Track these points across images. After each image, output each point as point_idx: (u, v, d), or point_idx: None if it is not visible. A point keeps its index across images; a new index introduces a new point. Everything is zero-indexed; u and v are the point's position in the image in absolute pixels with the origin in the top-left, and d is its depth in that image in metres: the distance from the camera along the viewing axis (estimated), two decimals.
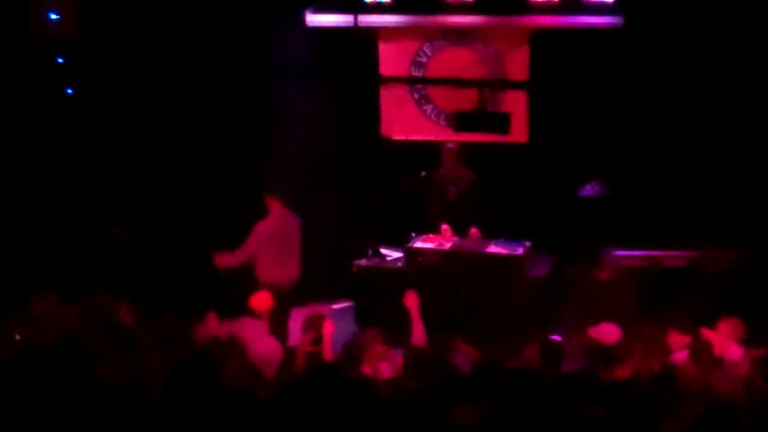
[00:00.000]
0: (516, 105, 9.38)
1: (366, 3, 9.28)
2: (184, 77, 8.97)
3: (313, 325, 6.41)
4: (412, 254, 8.36)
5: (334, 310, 8.44)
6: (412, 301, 6.89)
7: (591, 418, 4.82)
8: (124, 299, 6.69)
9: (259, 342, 6.40)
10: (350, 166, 9.71)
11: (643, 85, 8.89)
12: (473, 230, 8.46)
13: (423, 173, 8.65)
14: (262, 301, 6.70)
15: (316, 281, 9.72)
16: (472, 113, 8.58)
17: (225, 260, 8.06)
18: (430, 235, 8.54)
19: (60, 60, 8.65)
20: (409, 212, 8.95)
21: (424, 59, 9.69)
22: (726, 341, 6.38)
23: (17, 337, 6.27)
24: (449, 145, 8.65)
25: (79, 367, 5.25)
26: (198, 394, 4.96)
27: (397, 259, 8.53)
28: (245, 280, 8.59)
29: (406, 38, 9.61)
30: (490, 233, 8.57)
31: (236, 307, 7.03)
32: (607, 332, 6.64)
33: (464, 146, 8.73)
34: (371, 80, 9.82)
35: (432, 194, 8.70)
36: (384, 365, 6.12)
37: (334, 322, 7.11)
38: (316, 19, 9.41)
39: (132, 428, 4.75)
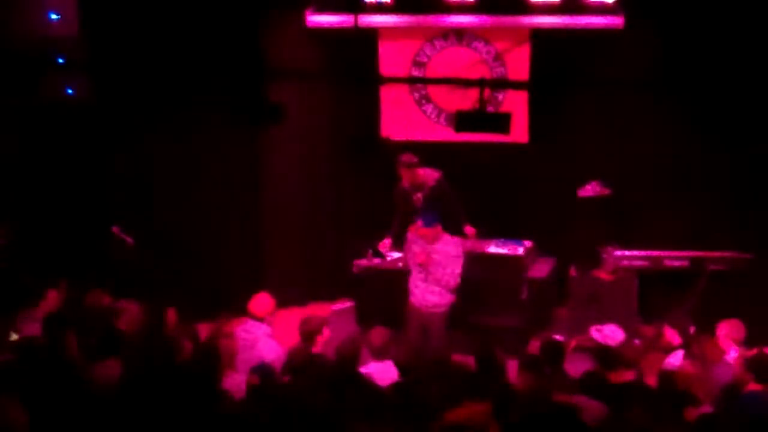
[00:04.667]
0: (516, 105, 9.37)
1: (366, 3, 9.27)
2: (184, 77, 8.95)
3: (311, 327, 6.32)
4: None
5: (334, 310, 8.42)
6: None
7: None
8: (124, 299, 6.69)
9: (261, 344, 6.38)
10: (350, 166, 9.71)
11: (643, 85, 8.89)
12: (467, 228, 8.42)
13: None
14: (262, 304, 6.67)
15: (316, 281, 9.76)
16: (472, 113, 8.54)
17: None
18: None
19: (60, 60, 8.63)
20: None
21: (425, 59, 9.69)
22: (725, 342, 6.38)
23: (16, 337, 6.27)
24: (402, 158, 8.33)
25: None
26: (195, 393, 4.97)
27: (397, 259, 8.52)
28: (246, 281, 8.62)
29: (406, 38, 9.61)
30: (489, 232, 8.57)
31: (240, 309, 7.02)
32: (611, 334, 6.64)
33: (415, 150, 8.43)
34: (371, 80, 9.82)
35: (400, 208, 8.52)
36: None
37: (334, 322, 7.10)
38: (316, 19, 9.41)
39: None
